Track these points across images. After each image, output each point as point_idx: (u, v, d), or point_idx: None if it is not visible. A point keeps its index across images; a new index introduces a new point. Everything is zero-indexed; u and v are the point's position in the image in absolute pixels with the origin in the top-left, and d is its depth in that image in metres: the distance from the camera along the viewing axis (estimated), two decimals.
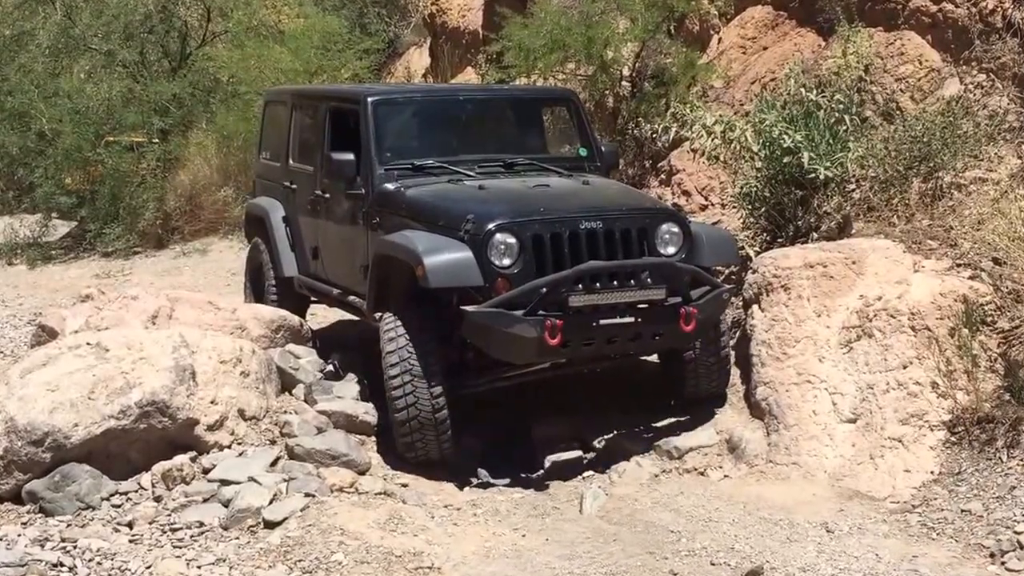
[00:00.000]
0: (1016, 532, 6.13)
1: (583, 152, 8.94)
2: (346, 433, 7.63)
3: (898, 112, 9.19)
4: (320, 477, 7.01)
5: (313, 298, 9.78)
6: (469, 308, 7.10)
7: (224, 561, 6.07)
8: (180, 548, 6.30)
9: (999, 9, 8.97)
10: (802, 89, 8.70)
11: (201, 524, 6.56)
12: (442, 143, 8.74)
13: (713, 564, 6.07)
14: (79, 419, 7.02)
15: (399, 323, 7.36)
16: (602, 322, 7.14)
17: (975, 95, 8.87)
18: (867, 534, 6.34)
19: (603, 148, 9.07)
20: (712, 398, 8.09)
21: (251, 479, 6.91)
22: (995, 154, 8.37)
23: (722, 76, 10.82)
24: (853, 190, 8.75)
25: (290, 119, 9.71)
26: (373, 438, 7.85)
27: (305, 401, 8.22)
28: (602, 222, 7.33)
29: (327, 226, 9.04)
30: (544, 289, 7.03)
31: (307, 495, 6.72)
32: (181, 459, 7.19)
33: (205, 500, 6.85)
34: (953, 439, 6.92)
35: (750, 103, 9.85)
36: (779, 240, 8.69)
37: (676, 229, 7.59)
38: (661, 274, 7.30)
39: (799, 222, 8.69)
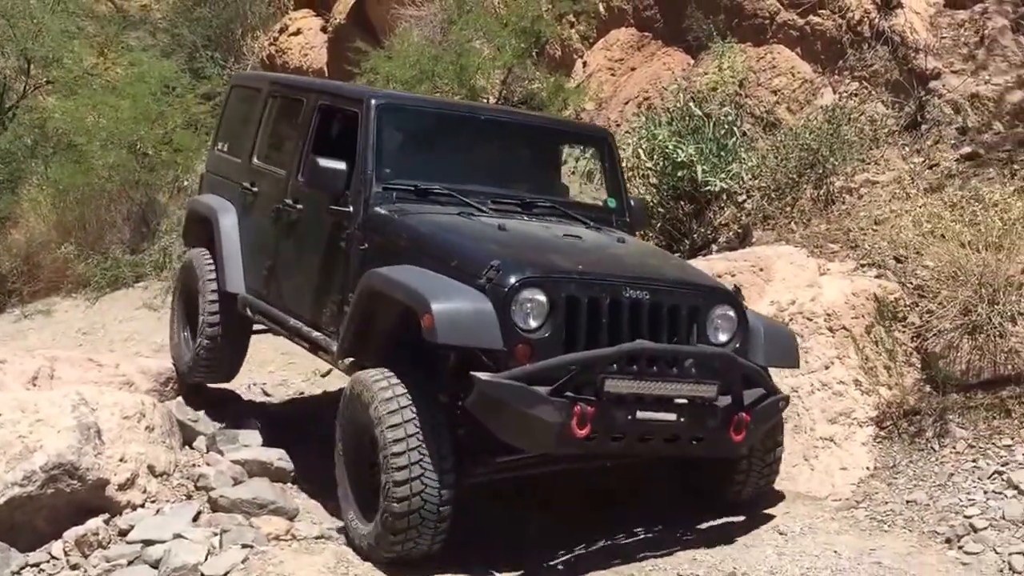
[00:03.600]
0: (967, 516, 6.29)
1: (611, 203, 7.64)
2: (270, 480, 7.30)
3: (776, 124, 9.42)
4: (254, 527, 6.68)
5: (258, 323, 8.32)
6: (483, 376, 5.76)
7: None
8: None
9: (866, 19, 9.30)
10: (690, 103, 8.82)
11: None
12: (452, 167, 7.38)
13: (681, 575, 6.01)
14: None
15: (400, 387, 6.05)
16: (639, 415, 5.88)
17: (852, 103, 9.16)
18: (819, 533, 6.38)
19: (632, 202, 7.76)
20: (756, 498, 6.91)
21: (177, 536, 6.53)
22: (881, 157, 8.66)
23: (593, 99, 10.91)
24: (744, 201, 8.91)
25: (263, 110, 8.34)
26: (291, 484, 7.53)
27: (208, 452, 7.89)
28: (649, 293, 6.10)
29: (292, 243, 7.66)
30: (578, 366, 5.78)
31: (244, 546, 6.38)
32: (95, 523, 6.75)
33: (130, 563, 6.45)
34: (883, 434, 7.07)
35: (625, 123, 9.96)
36: (678, 254, 8.75)
37: (731, 314, 6.35)
38: (716, 367, 6.09)
39: (695, 235, 8.78)
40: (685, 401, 5.97)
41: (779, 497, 6.85)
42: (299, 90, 8.17)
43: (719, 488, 6.79)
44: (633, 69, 10.94)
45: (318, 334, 7.20)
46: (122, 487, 6.96)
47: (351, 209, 6.93)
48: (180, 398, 8.52)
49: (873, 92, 9.17)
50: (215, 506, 6.96)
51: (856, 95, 9.25)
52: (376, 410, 5.99)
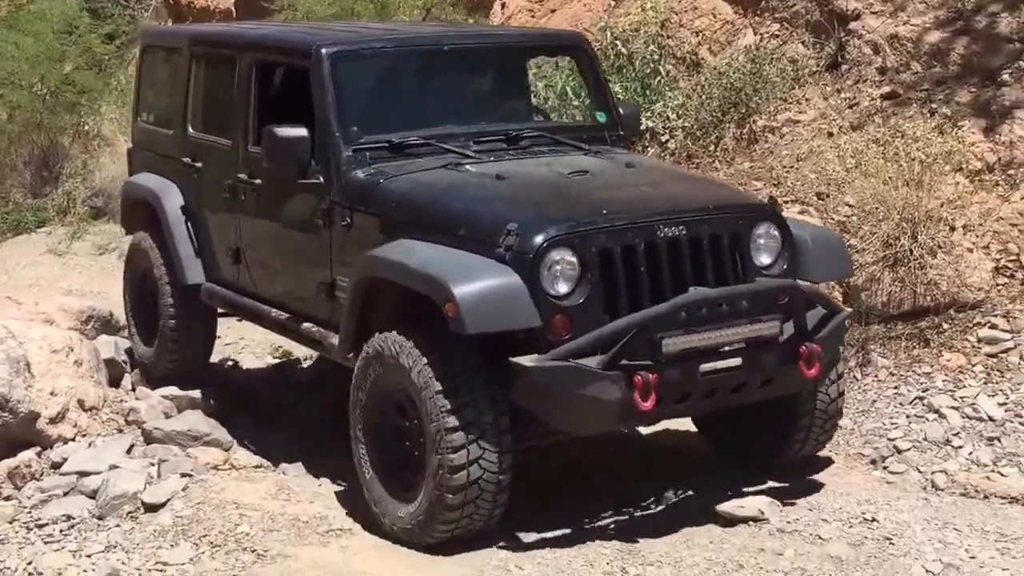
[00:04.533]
0: (890, 439, 6.56)
1: (601, 118, 6.81)
2: (202, 413, 7.28)
3: (698, 64, 9.56)
4: (191, 457, 6.68)
5: (227, 313, 7.58)
6: (527, 361, 5.11)
7: (117, 547, 5.73)
8: (54, 542, 5.94)
9: None
10: (617, 42, 8.91)
11: (69, 517, 6.18)
12: (422, 110, 6.52)
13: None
14: None
15: (447, 353, 5.28)
16: (703, 369, 5.26)
17: (773, 43, 9.34)
18: None
19: (621, 111, 6.89)
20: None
21: (114, 467, 6.53)
22: (803, 96, 8.86)
23: None
24: (668, 140, 9.04)
25: (188, 73, 7.39)
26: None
27: (133, 389, 7.86)
28: (685, 227, 5.38)
29: (258, 223, 6.81)
30: (631, 330, 5.10)
31: (183, 475, 6.38)
32: (27, 455, 6.76)
33: (66, 493, 6.46)
34: None
35: (546, 63, 9.96)
36: None
37: (775, 232, 5.66)
38: (778, 300, 5.48)
39: None
40: (747, 344, 5.38)
41: None
42: (229, 46, 7.17)
43: (773, 450, 6.19)
44: (553, 10, 11.01)
45: (308, 325, 6.41)
46: (53, 421, 6.96)
47: (322, 180, 6.09)
48: (102, 336, 8.39)
49: (794, 33, 9.35)
50: (149, 438, 6.96)
51: (777, 36, 9.43)
52: (421, 374, 5.27)
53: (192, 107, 7.39)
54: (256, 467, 6.69)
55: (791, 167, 8.24)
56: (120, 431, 7.18)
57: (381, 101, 6.52)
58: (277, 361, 9.09)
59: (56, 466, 6.72)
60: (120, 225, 8.54)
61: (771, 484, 6.07)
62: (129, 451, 6.84)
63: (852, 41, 8.95)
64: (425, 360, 5.27)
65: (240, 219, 6.92)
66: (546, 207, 5.49)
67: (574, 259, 5.20)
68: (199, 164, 7.25)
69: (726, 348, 5.32)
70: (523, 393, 5.20)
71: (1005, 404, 6.67)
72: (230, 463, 6.69)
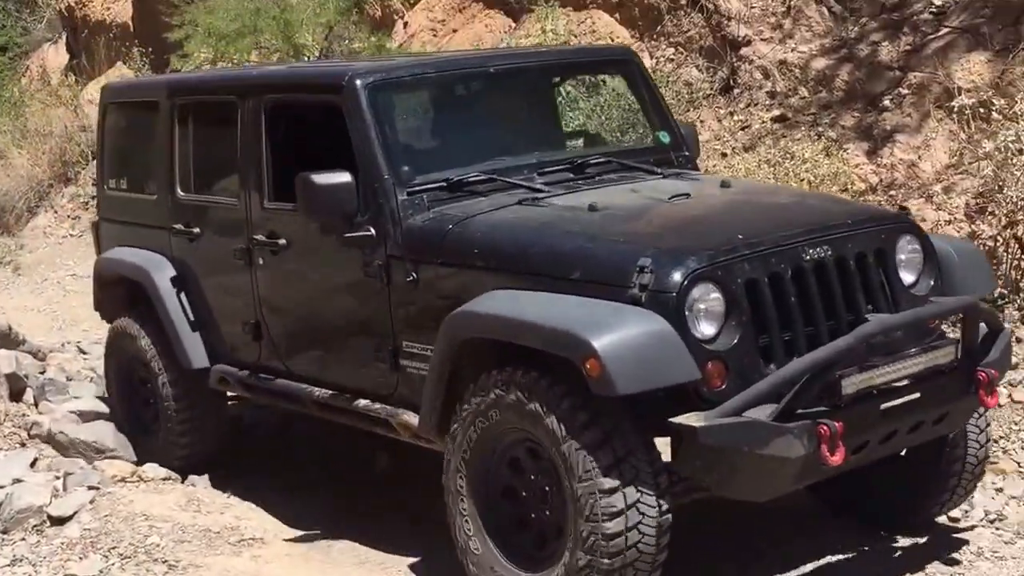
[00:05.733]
0: None
1: (664, 138, 6.08)
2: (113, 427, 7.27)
3: (597, 85, 9.79)
4: (98, 470, 6.67)
5: (245, 396, 6.70)
6: (696, 421, 4.24)
7: (23, 560, 5.68)
8: None
9: None
10: None
11: None
12: (473, 142, 5.83)
13: None
14: None
15: (589, 405, 4.37)
16: (884, 407, 4.51)
17: (669, 67, 9.65)
18: None
19: (682, 130, 6.20)
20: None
21: (17, 480, 6.47)
22: (698, 118, 9.18)
23: None
24: None
25: (171, 128, 6.54)
26: None
27: (36, 404, 7.81)
28: (830, 247, 4.65)
29: (285, 289, 5.97)
30: (811, 372, 4.30)
31: (91, 488, 6.38)
32: None
33: None
34: None
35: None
36: None
37: (917, 246, 4.99)
38: (953, 323, 5.00)
39: None
40: (922, 375, 4.66)
41: None
42: (224, 90, 6.43)
43: (913, 507, 5.36)
44: (455, 31, 11.20)
45: (366, 403, 5.54)
46: None
47: (372, 232, 5.26)
48: (1, 351, 8.32)
49: (689, 57, 9.70)
50: (54, 443, 6.92)
51: (672, 60, 9.76)
52: (562, 422, 4.40)
53: (181, 167, 6.57)
54: (164, 479, 6.69)
55: None
56: (23, 445, 7.09)
57: (429, 134, 5.95)
58: None
59: None
60: (94, 309, 7.58)
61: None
62: (33, 464, 6.75)
63: (743, 66, 9.31)
64: (569, 416, 4.40)
65: (259, 287, 6.10)
66: (675, 237, 4.75)
67: (719, 295, 4.43)
68: (196, 230, 6.45)
69: (902, 382, 4.62)
70: (688, 459, 4.37)
71: None
72: (138, 475, 6.69)
